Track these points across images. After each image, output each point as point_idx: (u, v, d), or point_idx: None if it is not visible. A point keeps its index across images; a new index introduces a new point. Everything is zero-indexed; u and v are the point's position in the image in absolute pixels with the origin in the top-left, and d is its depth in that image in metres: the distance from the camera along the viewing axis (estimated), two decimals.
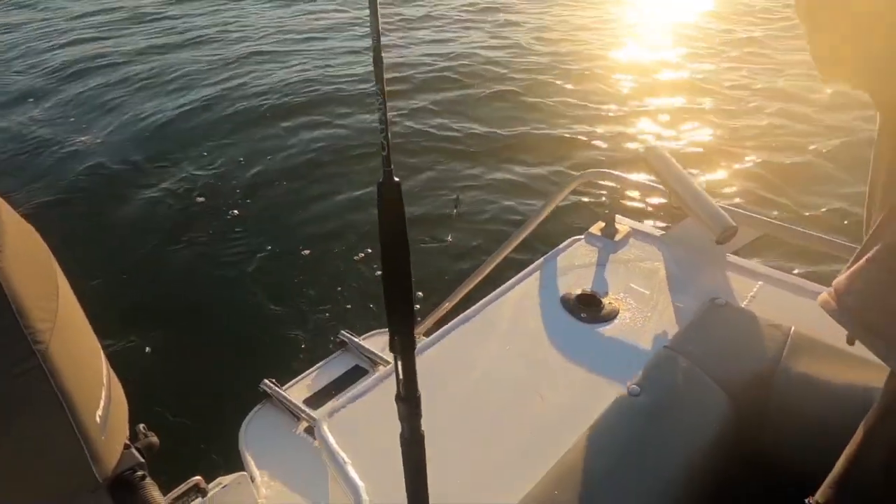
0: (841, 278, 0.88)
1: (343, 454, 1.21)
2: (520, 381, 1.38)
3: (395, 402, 0.87)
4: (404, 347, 0.83)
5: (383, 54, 0.67)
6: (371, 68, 0.68)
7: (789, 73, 7.47)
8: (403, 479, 0.91)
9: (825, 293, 0.89)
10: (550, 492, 1.09)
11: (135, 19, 10.68)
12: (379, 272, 4.21)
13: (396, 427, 0.88)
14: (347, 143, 5.99)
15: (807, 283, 1.68)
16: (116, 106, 7.09)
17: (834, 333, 1.42)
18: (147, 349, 3.49)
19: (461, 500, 1.12)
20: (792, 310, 1.58)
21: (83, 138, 6.34)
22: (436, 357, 1.46)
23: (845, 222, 4.58)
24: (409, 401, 0.87)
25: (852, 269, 0.86)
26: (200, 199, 5.16)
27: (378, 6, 0.66)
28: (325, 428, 1.27)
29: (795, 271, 1.75)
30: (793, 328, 1.44)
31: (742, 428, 1.31)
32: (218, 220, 4.86)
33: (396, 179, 0.73)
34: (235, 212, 4.96)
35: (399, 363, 0.84)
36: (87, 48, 9.21)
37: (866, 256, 0.85)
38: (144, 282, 4.21)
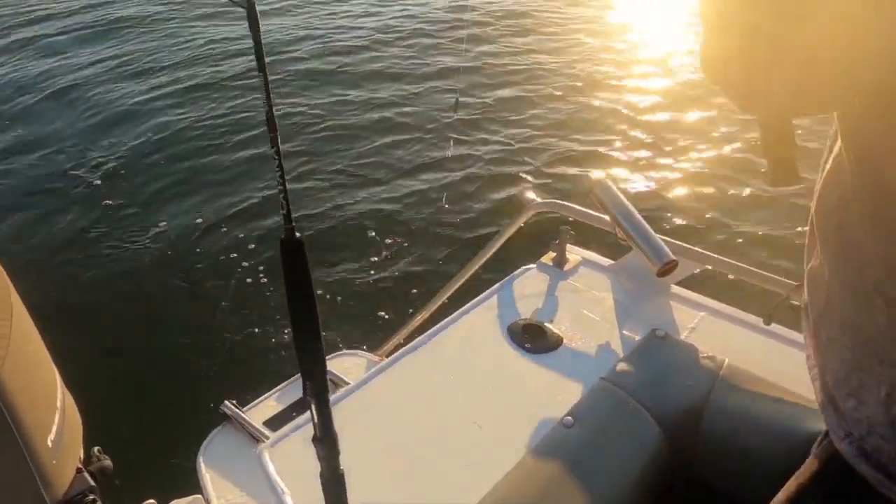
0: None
1: (282, 484, 1.24)
2: (460, 410, 1.43)
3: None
4: (318, 392, 0.88)
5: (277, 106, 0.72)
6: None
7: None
8: None
9: None
10: None
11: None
12: (345, 293, 4.21)
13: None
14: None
15: (746, 315, 1.74)
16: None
17: (768, 364, 1.49)
18: (106, 370, 3.45)
19: None
20: (730, 341, 1.65)
21: None
22: (381, 387, 1.50)
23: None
24: (325, 442, 0.92)
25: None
26: (155, 219, 5.13)
27: (266, 63, 0.71)
28: (267, 457, 1.30)
29: (736, 302, 1.81)
30: (726, 360, 1.49)
31: (674, 457, 1.36)
32: (177, 238, 4.84)
33: (298, 236, 0.78)
34: (193, 230, 4.94)
35: (314, 407, 0.89)
36: None
37: None
38: (101, 303, 4.17)
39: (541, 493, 1.19)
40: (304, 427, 1.38)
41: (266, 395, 2.49)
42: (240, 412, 2.36)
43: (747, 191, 5.64)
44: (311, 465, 1.30)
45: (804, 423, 1.30)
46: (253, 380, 3.13)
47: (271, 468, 1.28)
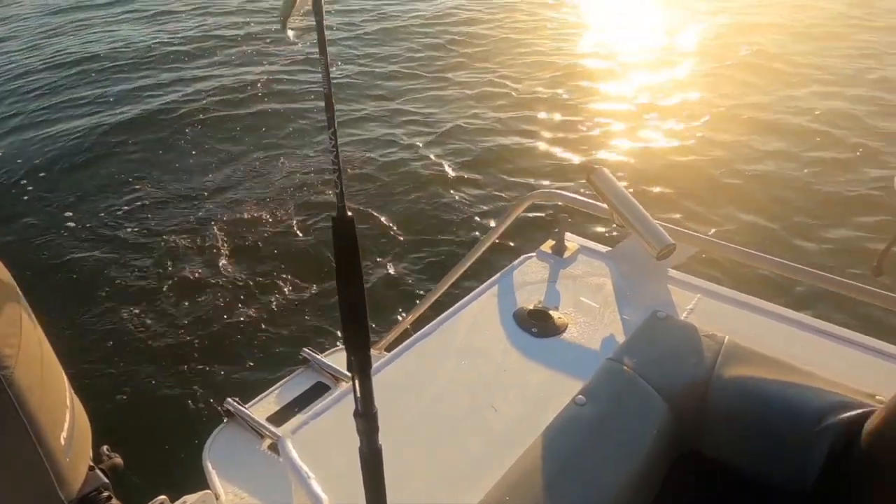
0: None
1: (306, 469, 1.27)
2: (474, 394, 1.46)
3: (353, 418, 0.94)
4: (361, 367, 0.90)
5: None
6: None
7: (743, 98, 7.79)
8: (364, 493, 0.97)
9: None
10: (501, 498, 1.17)
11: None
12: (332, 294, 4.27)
13: (356, 442, 0.95)
14: (303, 167, 6.08)
15: (741, 295, 1.80)
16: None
17: (765, 342, 1.54)
18: (109, 372, 3.46)
19: None
20: (728, 320, 1.70)
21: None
22: (394, 374, 1.53)
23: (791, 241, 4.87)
24: (366, 416, 0.94)
25: None
26: (155, 219, 5.17)
27: (327, 49, 0.74)
28: (289, 444, 1.33)
29: (731, 284, 1.87)
30: (727, 337, 1.54)
31: (681, 432, 1.41)
32: (180, 240, 4.87)
33: (350, 214, 0.81)
34: (196, 232, 4.97)
35: (356, 381, 0.91)
36: None
37: None
38: (104, 304, 4.19)
39: (558, 469, 1.23)
40: (323, 415, 1.41)
41: (268, 391, 2.51)
42: (243, 408, 2.37)
43: (744, 177, 5.86)
44: (331, 449, 1.33)
45: (807, 395, 1.35)
46: (255, 377, 3.16)
47: (294, 455, 1.30)
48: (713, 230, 4.90)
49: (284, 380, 2.57)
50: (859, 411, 1.28)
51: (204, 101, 7.48)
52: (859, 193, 5.45)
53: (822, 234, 4.96)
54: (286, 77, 8.26)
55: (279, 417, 2.38)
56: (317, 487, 1.23)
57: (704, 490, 1.47)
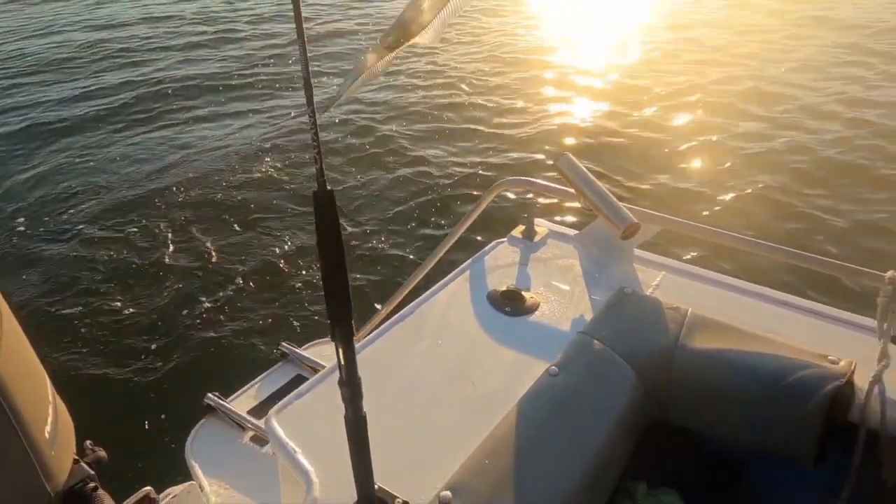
0: None
1: (293, 444, 1.31)
2: (452, 370, 1.52)
3: (338, 392, 0.98)
4: (344, 336, 0.95)
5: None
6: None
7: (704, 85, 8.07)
8: (349, 462, 1.02)
9: None
10: (481, 462, 1.23)
11: None
12: (317, 283, 4.38)
13: (341, 416, 1.00)
14: (282, 152, 6.14)
15: (703, 270, 1.89)
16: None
17: (726, 313, 1.63)
18: (89, 368, 3.46)
19: (403, 476, 1.25)
20: (691, 295, 1.79)
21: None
22: (374, 354, 1.58)
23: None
24: (350, 384, 0.99)
25: None
26: (132, 213, 5.17)
27: (304, 29, 0.79)
28: (275, 422, 1.37)
29: (693, 260, 1.96)
30: (690, 310, 1.63)
31: (648, 399, 1.49)
32: (151, 234, 4.86)
33: (329, 188, 0.86)
34: (170, 225, 4.97)
35: (340, 350, 0.96)
36: None
37: None
38: (83, 299, 4.18)
39: (534, 435, 1.30)
40: (308, 393, 1.46)
41: (248, 385, 2.54)
42: (224, 403, 2.40)
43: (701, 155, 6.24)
44: (316, 424, 1.38)
45: (765, 359, 1.44)
46: (235, 372, 3.18)
47: (280, 432, 1.35)
48: (649, 201, 5.27)
49: (264, 373, 2.60)
50: (814, 370, 1.38)
51: (161, 96, 7.64)
52: (782, 159, 6.17)
53: (752, 195, 5.54)
54: (237, 76, 8.37)
55: (260, 411, 2.41)
56: (303, 460, 1.28)
57: (674, 460, 1.55)
